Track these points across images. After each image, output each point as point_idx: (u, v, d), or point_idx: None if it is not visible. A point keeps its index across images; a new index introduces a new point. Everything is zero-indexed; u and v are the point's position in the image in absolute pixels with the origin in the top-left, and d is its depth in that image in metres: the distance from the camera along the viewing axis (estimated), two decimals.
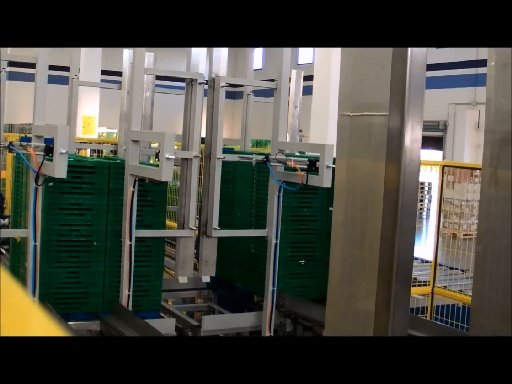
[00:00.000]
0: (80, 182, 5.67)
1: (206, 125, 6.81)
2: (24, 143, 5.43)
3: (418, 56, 3.31)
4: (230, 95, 15.75)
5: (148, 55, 7.59)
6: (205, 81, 6.34)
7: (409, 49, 3.27)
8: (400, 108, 3.25)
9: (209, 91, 6.65)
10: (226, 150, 7.50)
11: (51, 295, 5.55)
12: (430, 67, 3.39)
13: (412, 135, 3.28)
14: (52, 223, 5.58)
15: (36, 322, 0.77)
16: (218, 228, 6.35)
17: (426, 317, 7.70)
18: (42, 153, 5.09)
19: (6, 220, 7.61)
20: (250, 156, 6.51)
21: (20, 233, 5.76)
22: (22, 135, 9.52)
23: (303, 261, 6.64)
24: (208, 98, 6.79)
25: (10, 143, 5.48)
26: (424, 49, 3.35)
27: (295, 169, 5.86)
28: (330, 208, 6.62)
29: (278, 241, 6.04)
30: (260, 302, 6.43)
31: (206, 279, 7.30)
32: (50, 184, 5.43)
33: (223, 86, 6.27)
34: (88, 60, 17.94)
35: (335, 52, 11.72)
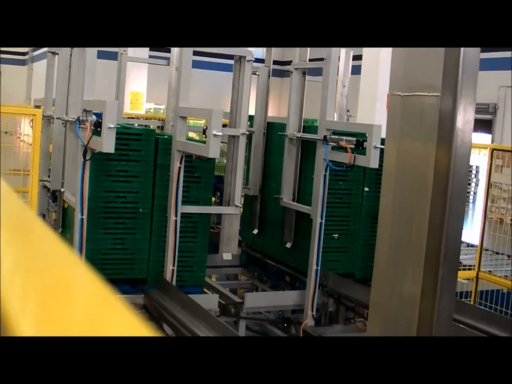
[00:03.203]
0: (127, 149, 5.70)
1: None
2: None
3: None
4: (277, 73, 15.69)
5: None
6: (253, 59, 6.31)
7: None
8: (452, 88, 3.19)
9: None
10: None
11: (98, 260, 5.61)
12: (481, 48, 3.31)
13: (464, 116, 3.22)
14: (98, 190, 5.64)
15: (123, 321, 0.77)
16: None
17: (470, 301, 7.63)
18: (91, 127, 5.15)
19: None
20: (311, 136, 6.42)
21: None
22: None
23: (337, 235, 6.57)
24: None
25: (78, 118, 5.51)
26: None
27: (341, 148, 5.84)
28: (366, 189, 6.56)
29: (323, 221, 6.01)
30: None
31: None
32: (97, 151, 5.44)
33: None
34: None
35: None
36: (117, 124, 5.23)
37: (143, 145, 5.75)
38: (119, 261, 5.81)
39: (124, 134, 5.70)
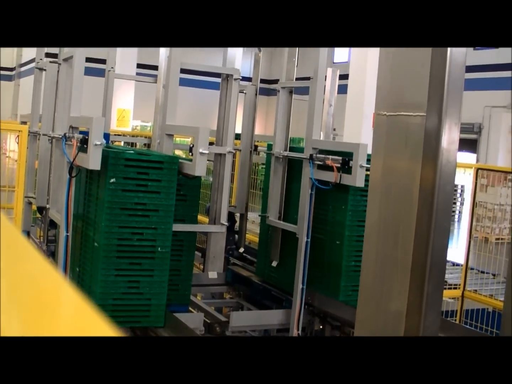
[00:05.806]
0: (146, 179, 5.18)
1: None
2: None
3: (457, 56, 3.27)
4: (264, 92, 15.73)
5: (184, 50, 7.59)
6: (240, 77, 6.34)
7: (449, 49, 3.24)
8: (438, 108, 3.22)
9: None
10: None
11: (109, 306, 5.04)
12: (466, 68, 3.34)
13: (449, 136, 3.25)
14: (112, 225, 5.09)
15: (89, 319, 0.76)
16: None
17: (455, 320, 7.64)
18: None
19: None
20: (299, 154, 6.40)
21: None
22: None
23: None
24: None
25: (64, 134, 5.42)
26: (463, 49, 3.32)
27: (327, 167, 5.85)
28: None
29: (309, 239, 6.01)
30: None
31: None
32: (112, 180, 5.06)
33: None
34: (125, 53, 18.00)
35: (371, 52, 11.68)
36: (130, 151, 5.12)
37: (164, 175, 5.19)
38: (133, 307, 5.21)
39: (143, 162, 5.19)
